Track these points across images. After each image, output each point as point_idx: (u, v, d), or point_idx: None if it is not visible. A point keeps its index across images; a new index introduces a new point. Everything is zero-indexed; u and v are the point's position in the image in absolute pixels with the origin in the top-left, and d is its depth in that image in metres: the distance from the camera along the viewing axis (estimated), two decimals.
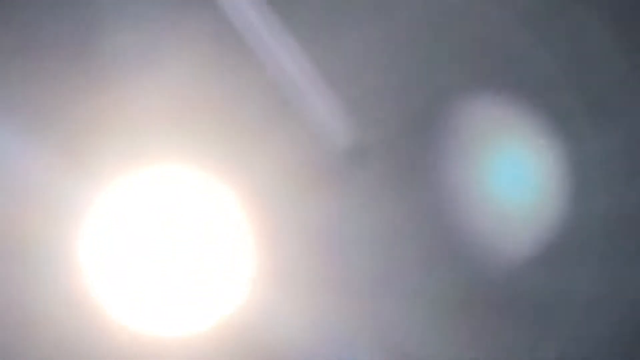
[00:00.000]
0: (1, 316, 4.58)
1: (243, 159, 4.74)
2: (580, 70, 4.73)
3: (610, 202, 4.63)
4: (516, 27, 4.79)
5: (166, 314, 4.46)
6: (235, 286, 4.44)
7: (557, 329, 4.69)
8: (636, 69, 4.62)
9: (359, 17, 4.73)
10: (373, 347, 4.57)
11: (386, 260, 4.61)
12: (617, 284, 4.65)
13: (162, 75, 4.87)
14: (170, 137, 4.90)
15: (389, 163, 4.67)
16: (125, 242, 4.54)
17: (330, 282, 4.68)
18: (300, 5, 4.53)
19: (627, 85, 4.58)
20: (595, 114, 4.68)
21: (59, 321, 4.72)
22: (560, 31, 4.75)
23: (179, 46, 4.79)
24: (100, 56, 4.79)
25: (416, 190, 4.87)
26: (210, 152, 4.83)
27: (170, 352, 4.61)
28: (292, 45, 4.72)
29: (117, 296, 4.49)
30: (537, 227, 4.96)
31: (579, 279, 4.64)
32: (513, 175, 4.79)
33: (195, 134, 4.77)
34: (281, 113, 4.75)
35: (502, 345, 4.44)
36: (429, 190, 5.05)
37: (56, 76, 4.68)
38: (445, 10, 4.67)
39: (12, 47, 4.62)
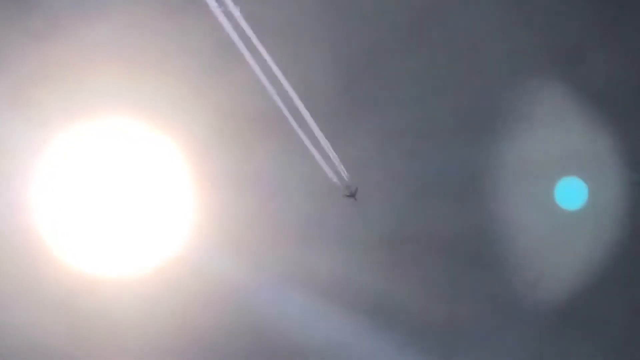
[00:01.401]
0: None
1: (184, 109, 4.87)
2: None
3: None
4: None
5: (107, 257, 4.61)
6: (174, 230, 4.59)
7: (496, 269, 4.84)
8: None
9: None
10: (306, 286, 4.72)
11: (319, 207, 4.75)
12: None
13: (106, 28, 4.95)
14: (114, 87, 5.02)
15: (325, 114, 4.77)
16: (68, 187, 4.66)
17: (266, 226, 4.84)
18: None
19: None
20: None
21: (2, 261, 4.85)
22: None
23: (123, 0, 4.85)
24: (45, 9, 4.85)
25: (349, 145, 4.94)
26: (151, 102, 4.95)
27: (110, 293, 4.77)
28: None
29: (59, 239, 4.62)
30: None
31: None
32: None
33: (138, 84, 4.89)
34: (223, 64, 4.85)
35: (432, 280, 4.61)
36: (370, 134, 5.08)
37: (1, 29, 4.74)
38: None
39: None
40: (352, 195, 4.14)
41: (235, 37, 5.44)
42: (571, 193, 4.59)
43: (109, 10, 5.12)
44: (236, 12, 5.26)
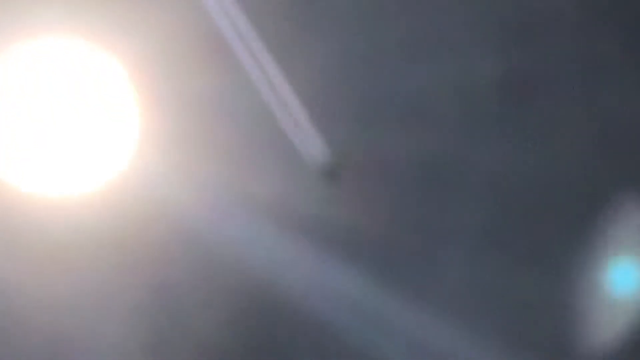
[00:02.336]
0: None
1: (131, 29, 4.75)
2: None
3: None
4: None
5: (52, 176, 4.52)
6: (116, 152, 4.50)
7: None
8: None
9: None
10: (249, 209, 4.66)
11: (269, 129, 4.67)
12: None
13: None
14: (56, 7, 4.90)
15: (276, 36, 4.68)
16: (9, 106, 4.56)
17: (210, 149, 4.76)
18: None
19: None
20: None
21: None
22: None
23: None
24: None
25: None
26: (97, 22, 4.83)
27: (49, 213, 4.69)
28: None
29: (4, 158, 4.53)
30: None
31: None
32: None
33: (82, 3, 4.77)
34: None
35: (374, 203, 4.56)
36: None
37: None
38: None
39: None
40: (332, 173, 4.06)
41: None
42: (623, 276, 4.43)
43: None
44: None
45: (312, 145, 4.26)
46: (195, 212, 4.66)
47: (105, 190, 4.56)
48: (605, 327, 4.59)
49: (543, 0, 4.60)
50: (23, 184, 4.48)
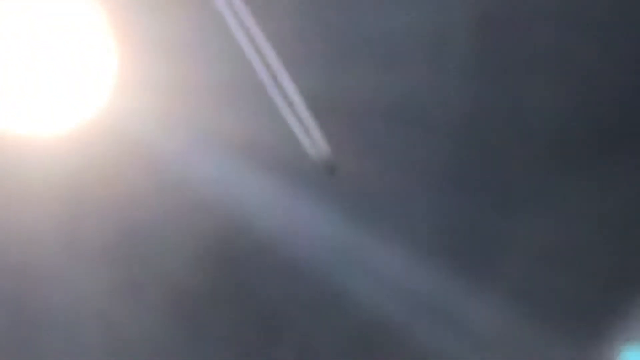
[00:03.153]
0: None
1: None
2: None
3: None
4: None
5: (29, 115, 4.54)
6: (96, 91, 4.52)
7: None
8: None
9: None
10: (223, 148, 4.67)
11: (244, 72, 4.70)
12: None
13: None
14: None
15: None
16: None
17: (190, 91, 4.77)
18: None
19: None
20: None
21: None
22: None
23: None
24: None
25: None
26: None
27: (23, 151, 4.68)
28: None
29: None
30: None
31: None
32: None
33: None
34: None
35: (347, 140, 4.58)
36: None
37: None
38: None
39: None
40: (330, 170, 4.10)
41: None
42: None
43: None
44: None
45: (286, 87, 4.29)
46: (170, 152, 4.66)
47: (81, 130, 4.57)
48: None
49: None
50: (2, 124, 4.50)
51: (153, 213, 4.60)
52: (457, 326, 4.44)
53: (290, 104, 4.42)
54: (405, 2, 4.58)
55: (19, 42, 4.64)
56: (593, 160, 4.65)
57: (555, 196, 4.51)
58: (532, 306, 4.50)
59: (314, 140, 4.30)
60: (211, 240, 4.50)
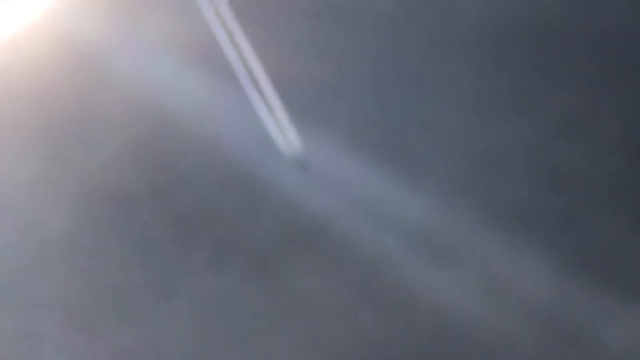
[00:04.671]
0: None
1: None
2: None
3: None
4: None
5: None
6: None
7: None
8: None
9: None
10: (168, 50, 4.81)
11: None
12: None
13: None
14: None
15: None
16: None
17: None
18: None
19: None
20: None
21: None
22: None
23: None
24: None
25: None
26: None
27: None
28: None
29: None
30: None
31: None
32: None
33: None
34: None
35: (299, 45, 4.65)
36: None
37: None
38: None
39: None
40: (301, 165, 4.16)
41: None
42: None
43: None
44: None
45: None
46: (115, 53, 4.79)
47: (21, 34, 4.71)
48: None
49: None
50: None
51: (78, 112, 4.70)
52: (385, 218, 4.37)
53: (260, 92, 4.53)
54: None
55: None
56: (505, 53, 4.62)
57: (480, 85, 4.49)
58: (457, 195, 4.43)
59: (286, 138, 4.39)
60: (132, 142, 4.56)
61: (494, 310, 4.00)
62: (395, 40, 4.47)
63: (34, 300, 4.37)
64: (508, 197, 4.16)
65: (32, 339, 4.31)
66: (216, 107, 4.36)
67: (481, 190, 4.18)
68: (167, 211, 4.33)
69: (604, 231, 4.18)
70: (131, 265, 4.28)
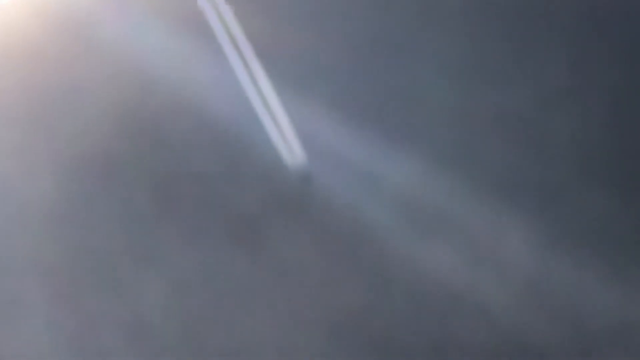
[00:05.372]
0: None
1: None
2: None
3: None
4: None
5: None
6: None
7: None
8: None
9: None
10: (139, 13, 4.76)
11: None
12: None
13: None
14: None
15: None
16: None
17: None
18: None
19: None
20: None
21: None
22: None
23: None
24: None
25: None
26: None
27: None
28: None
29: None
30: None
31: None
32: None
33: None
34: None
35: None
36: None
37: None
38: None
39: None
40: (305, 177, 4.17)
41: None
42: None
43: None
44: None
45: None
46: (89, 14, 4.72)
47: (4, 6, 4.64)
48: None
49: None
50: None
51: (61, 78, 4.64)
52: (369, 188, 4.35)
53: (244, 61, 4.48)
54: None
55: None
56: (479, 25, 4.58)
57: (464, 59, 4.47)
58: (441, 165, 4.41)
59: (291, 150, 4.38)
60: (115, 108, 4.52)
61: (475, 281, 4.00)
62: (382, 11, 4.44)
63: (14, 267, 4.35)
64: (492, 168, 4.16)
65: (12, 305, 4.30)
66: (200, 75, 4.33)
67: (465, 160, 4.17)
68: (149, 177, 4.31)
69: (587, 204, 4.18)
70: (112, 231, 4.26)
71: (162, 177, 4.32)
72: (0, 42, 4.62)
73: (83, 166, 4.37)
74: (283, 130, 4.11)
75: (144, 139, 4.40)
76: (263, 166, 4.30)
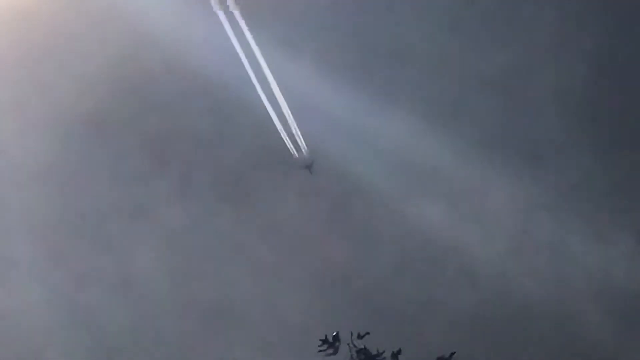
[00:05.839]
0: None
1: None
2: None
3: None
4: None
5: None
6: None
7: None
8: None
9: None
10: None
11: None
12: None
13: None
14: None
15: None
16: None
17: None
18: None
19: None
20: None
21: None
22: None
23: None
24: None
25: None
26: None
27: None
28: None
29: None
30: None
31: None
32: None
33: None
34: None
35: None
36: None
37: None
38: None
39: None
40: (309, 167, 4.32)
41: None
42: None
43: None
44: None
45: None
46: None
47: None
48: None
49: None
50: None
51: (54, 37, 4.86)
52: (357, 145, 4.61)
53: (234, 22, 4.72)
54: None
55: None
56: None
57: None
58: (429, 124, 4.68)
59: (297, 144, 4.67)
60: (108, 68, 4.73)
61: (459, 239, 4.22)
62: None
63: (6, 224, 4.59)
64: (479, 126, 4.39)
65: (3, 261, 4.54)
66: (192, 37, 4.53)
67: (452, 118, 4.41)
68: (140, 136, 4.52)
69: (571, 164, 4.42)
70: (102, 189, 4.49)
71: (153, 135, 4.53)
72: None
73: (76, 125, 4.58)
74: (276, 98, 4.33)
75: (136, 99, 4.61)
76: (251, 125, 4.52)
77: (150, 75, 6.27)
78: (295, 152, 5.67)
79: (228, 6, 5.64)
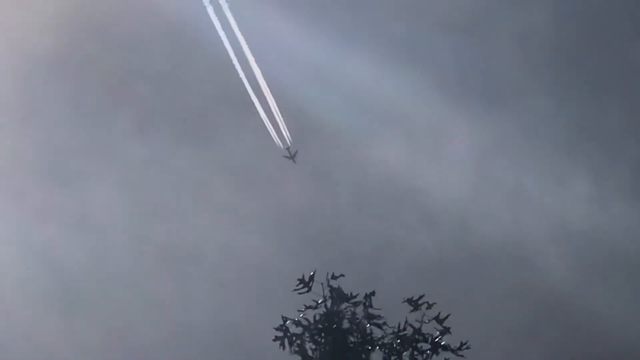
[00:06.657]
0: None
1: None
2: None
3: None
4: None
5: None
6: None
7: None
8: None
9: None
10: None
11: None
12: None
13: None
14: None
15: None
16: None
17: None
18: None
19: None
20: None
21: None
22: None
23: None
24: None
25: None
26: None
27: None
28: None
29: None
30: None
31: None
32: None
33: None
34: None
35: None
36: None
37: None
38: None
39: None
40: (292, 157, 4.29)
41: None
42: None
43: None
44: None
45: None
46: None
47: None
48: None
49: None
50: None
51: None
52: (320, 83, 4.55)
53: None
54: None
55: None
56: None
57: None
58: (396, 62, 4.61)
59: (280, 134, 4.61)
60: (67, 7, 4.62)
61: (417, 181, 4.22)
62: None
63: None
64: (439, 66, 4.37)
65: None
66: None
67: (414, 59, 4.38)
68: (100, 75, 4.46)
69: (530, 107, 4.43)
70: (60, 128, 4.44)
71: (113, 75, 4.48)
72: None
73: (36, 64, 4.51)
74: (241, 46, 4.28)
75: (97, 38, 4.54)
76: (211, 65, 4.46)
77: (111, 16, 6.20)
78: (279, 141, 5.63)
79: None
